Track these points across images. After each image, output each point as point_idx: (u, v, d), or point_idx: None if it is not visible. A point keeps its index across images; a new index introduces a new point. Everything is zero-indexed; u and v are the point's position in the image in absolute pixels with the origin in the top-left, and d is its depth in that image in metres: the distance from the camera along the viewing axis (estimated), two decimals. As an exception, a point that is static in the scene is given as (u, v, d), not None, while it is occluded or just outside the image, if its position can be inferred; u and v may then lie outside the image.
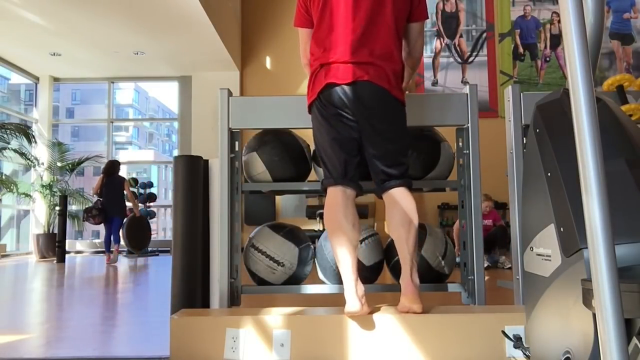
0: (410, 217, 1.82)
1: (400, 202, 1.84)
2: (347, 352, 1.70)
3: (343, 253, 1.76)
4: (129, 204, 7.00)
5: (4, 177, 7.79)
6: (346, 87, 1.82)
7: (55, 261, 6.70)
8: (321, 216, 7.01)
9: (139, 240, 7.51)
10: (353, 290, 1.72)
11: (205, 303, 2.25)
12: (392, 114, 1.89)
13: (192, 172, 2.26)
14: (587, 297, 0.98)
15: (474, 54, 8.14)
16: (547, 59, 8.12)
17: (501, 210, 6.69)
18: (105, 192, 6.56)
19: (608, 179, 0.78)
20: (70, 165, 8.24)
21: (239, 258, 2.32)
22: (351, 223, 1.78)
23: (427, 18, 2.04)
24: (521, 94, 2.19)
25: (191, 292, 2.18)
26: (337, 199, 1.83)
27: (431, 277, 2.33)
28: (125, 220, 7.01)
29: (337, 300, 2.02)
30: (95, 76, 8.94)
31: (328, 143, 1.88)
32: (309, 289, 2.36)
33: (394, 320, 1.72)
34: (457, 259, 2.40)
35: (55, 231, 7.05)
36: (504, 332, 1.63)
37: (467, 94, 2.31)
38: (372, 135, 1.86)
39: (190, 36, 6.89)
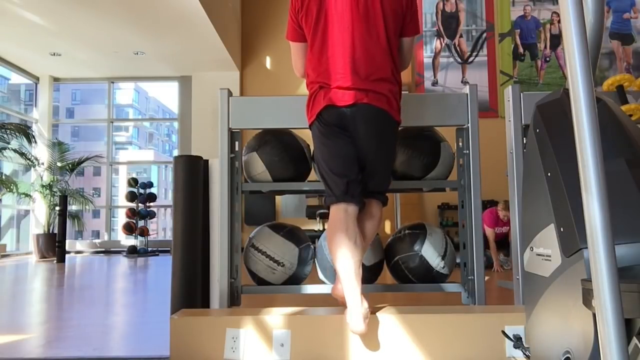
0: (373, 226, 1.96)
1: (373, 211, 1.96)
2: (347, 352, 1.70)
3: (346, 272, 1.73)
4: None
5: (4, 177, 7.78)
6: (346, 109, 1.83)
7: (55, 261, 6.70)
8: (321, 216, 7.02)
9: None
10: (357, 311, 1.65)
11: (205, 303, 2.25)
12: (388, 135, 1.93)
13: (192, 172, 2.26)
14: (587, 297, 0.98)
15: (474, 54, 8.14)
16: (547, 59, 8.12)
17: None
18: None
19: (608, 179, 0.78)
20: (70, 165, 8.23)
21: (239, 258, 2.32)
22: (352, 240, 1.76)
23: (419, 33, 2.04)
24: (521, 94, 2.19)
25: (191, 292, 2.18)
26: (339, 216, 1.82)
27: (431, 277, 2.33)
28: None
29: (337, 300, 2.02)
30: (95, 76, 8.94)
31: (328, 161, 1.89)
32: (309, 289, 2.36)
33: (394, 321, 1.72)
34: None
35: (55, 231, 7.04)
36: (504, 332, 1.63)
37: (467, 94, 2.31)
38: (367, 155, 1.88)
39: (190, 36, 6.89)
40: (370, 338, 1.71)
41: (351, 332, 1.68)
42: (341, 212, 1.82)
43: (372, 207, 1.95)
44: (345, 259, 1.73)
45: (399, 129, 2.05)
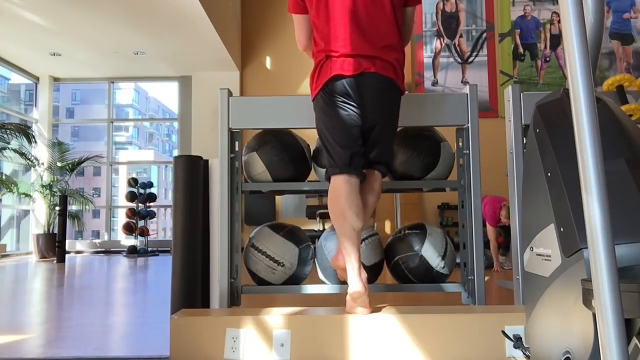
0: (374, 199, 1.99)
1: (373, 183, 1.99)
2: (347, 352, 1.70)
3: (347, 241, 1.81)
4: None
5: (4, 177, 7.78)
6: (353, 79, 1.84)
7: (55, 261, 6.70)
8: (321, 216, 7.02)
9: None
10: (356, 273, 1.79)
11: (205, 303, 2.25)
12: (393, 105, 1.95)
13: (192, 172, 2.26)
14: (587, 297, 0.98)
15: (474, 54, 8.14)
16: (547, 59, 8.12)
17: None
18: None
19: (608, 179, 0.78)
20: (70, 165, 8.23)
21: (239, 258, 2.32)
22: (355, 212, 1.81)
23: (421, 2, 2.05)
24: (521, 94, 2.19)
25: (191, 292, 2.18)
26: (341, 187, 1.84)
27: (431, 277, 2.33)
28: None
29: (337, 300, 2.02)
30: (95, 76, 8.94)
31: (332, 132, 1.89)
32: (309, 289, 2.36)
33: (394, 320, 1.72)
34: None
35: (55, 231, 7.05)
36: (504, 332, 1.63)
37: (467, 94, 2.30)
38: (372, 124, 1.89)
39: (190, 36, 6.89)
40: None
41: (350, 296, 1.76)
42: (343, 183, 1.84)
43: (373, 179, 1.98)
44: (346, 229, 1.80)
45: (399, 129, 2.05)
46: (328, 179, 1.91)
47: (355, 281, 1.78)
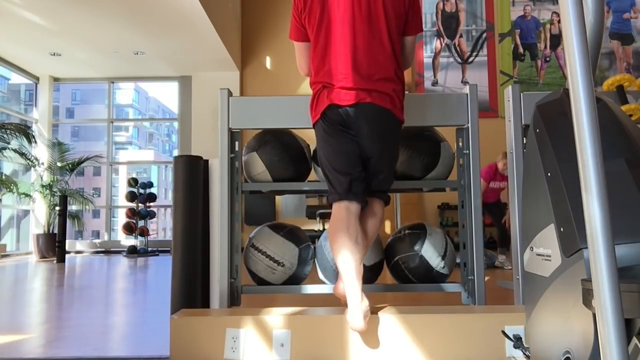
0: (375, 223, 1.95)
1: (375, 210, 1.95)
2: (347, 352, 1.70)
3: (346, 269, 1.73)
4: None
5: (4, 177, 7.78)
6: (349, 108, 1.83)
7: (55, 261, 6.70)
8: (321, 216, 7.02)
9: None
10: (358, 308, 1.66)
11: (205, 303, 2.25)
12: (392, 135, 1.93)
13: (192, 172, 2.26)
14: (587, 297, 0.98)
15: (474, 54, 8.14)
16: (547, 59, 8.12)
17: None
18: None
19: (608, 179, 0.78)
20: (70, 165, 8.23)
21: (239, 258, 2.32)
22: (354, 238, 1.77)
23: (422, 31, 2.03)
24: (521, 94, 2.19)
25: (191, 292, 2.18)
26: (341, 214, 1.82)
27: (431, 277, 2.33)
28: None
29: (337, 300, 2.02)
30: (95, 76, 8.95)
31: (331, 159, 1.89)
32: (309, 289, 2.36)
33: (394, 320, 1.72)
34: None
35: (55, 231, 7.05)
36: (504, 332, 1.63)
37: (467, 94, 2.31)
38: (370, 154, 1.88)
39: (190, 36, 6.89)
40: (370, 338, 1.71)
41: (351, 329, 1.68)
42: (343, 210, 1.82)
43: (374, 206, 1.95)
44: (346, 256, 1.74)
45: (400, 128, 2.04)
46: (330, 206, 1.90)
47: (356, 316, 1.64)
